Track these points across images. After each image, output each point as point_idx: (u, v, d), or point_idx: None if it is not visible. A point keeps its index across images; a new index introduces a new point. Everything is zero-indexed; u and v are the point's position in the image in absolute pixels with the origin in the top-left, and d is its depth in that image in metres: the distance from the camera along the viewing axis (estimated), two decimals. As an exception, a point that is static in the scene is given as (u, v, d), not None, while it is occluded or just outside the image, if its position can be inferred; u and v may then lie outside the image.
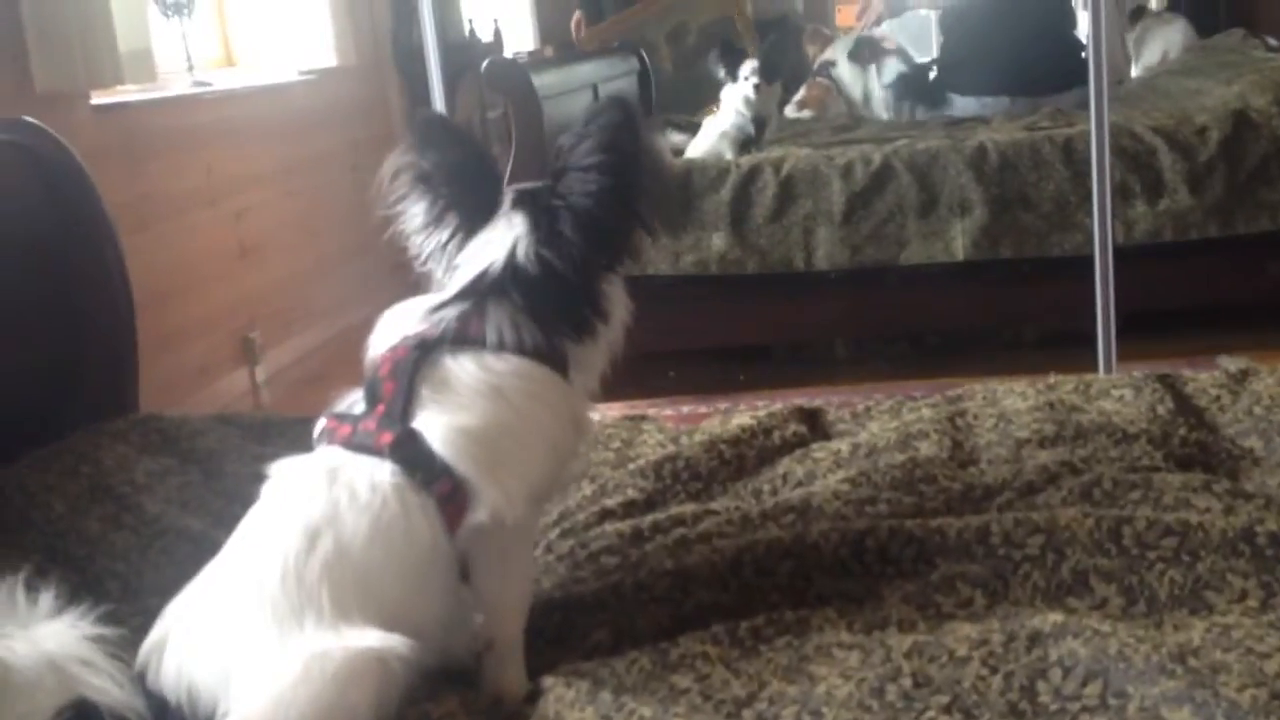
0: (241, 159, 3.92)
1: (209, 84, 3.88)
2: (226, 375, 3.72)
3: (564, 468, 1.45)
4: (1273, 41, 4.66)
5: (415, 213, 1.47)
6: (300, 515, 1.29)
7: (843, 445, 1.76)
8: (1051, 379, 1.92)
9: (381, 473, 1.31)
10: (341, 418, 1.39)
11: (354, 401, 1.40)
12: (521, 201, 1.43)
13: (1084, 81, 3.04)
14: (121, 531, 1.58)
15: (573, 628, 1.42)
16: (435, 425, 1.33)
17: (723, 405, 3.77)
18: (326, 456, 1.36)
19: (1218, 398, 1.84)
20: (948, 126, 4.28)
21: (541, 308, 1.39)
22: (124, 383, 2.20)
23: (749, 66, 4.15)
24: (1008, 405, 1.81)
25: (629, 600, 1.42)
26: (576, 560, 1.59)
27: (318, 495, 1.31)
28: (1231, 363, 3.61)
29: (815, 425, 1.91)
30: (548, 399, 1.39)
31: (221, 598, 1.27)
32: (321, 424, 1.40)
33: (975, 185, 3.76)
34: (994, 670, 1.21)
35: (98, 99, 3.27)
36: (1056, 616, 1.28)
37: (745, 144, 4.17)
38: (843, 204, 3.80)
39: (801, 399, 3.73)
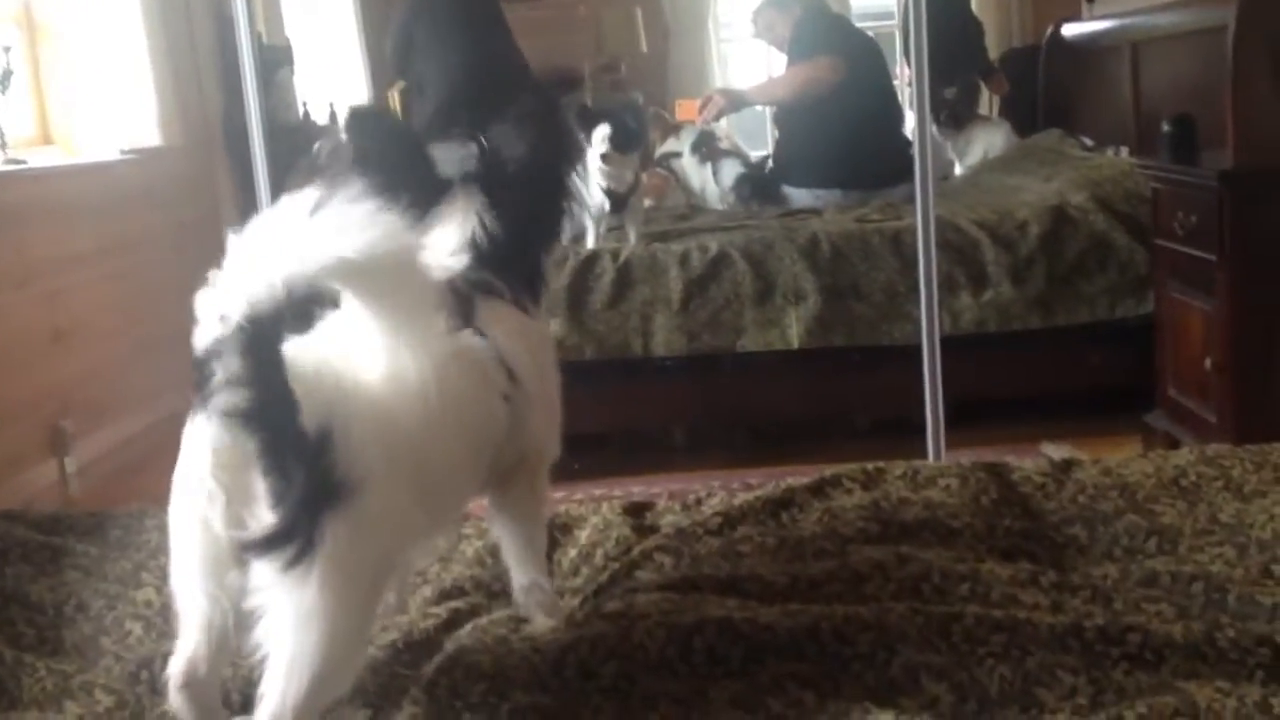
0: (58, 239, 3.74)
1: (22, 161, 3.71)
2: (35, 466, 3.52)
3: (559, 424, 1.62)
4: (1088, 141, 4.85)
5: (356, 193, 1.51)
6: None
7: (668, 543, 1.72)
8: (880, 465, 1.92)
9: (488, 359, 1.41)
10: None
11: None
12: (469, 180, 1.52)
13: (911, 177, 3.10)
14: None
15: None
16: (501, 339, 1.43)
17: (558, 494, 3.72)
18: None
19: (1043, 485, 1.85)
20: (782, 218, 4.34)
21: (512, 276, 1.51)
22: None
23: (601, 132, 3.97)
24: (834, 502, 1.80)
25: (443, 704, 1.34)
26: (396, 649, 1.52)
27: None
28: (1055, 450, 3.70)
29: (642, 521, 1.86)
30: (554, 358, 1.61)
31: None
32: None
33: (809, 274, 3.82)
34: (827, 782, 1.17)
35: (-96, 173, 3.10)
36: (887, 717, 1.24)
37: (600, 221, 4.08)
38: (680, 291, 3.81)
39: (638, 486, 3.73)
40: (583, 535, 1.83)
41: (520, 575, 1.56)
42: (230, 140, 4.89)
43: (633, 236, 4.08)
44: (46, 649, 1.58)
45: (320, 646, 1.21)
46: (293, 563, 1.19)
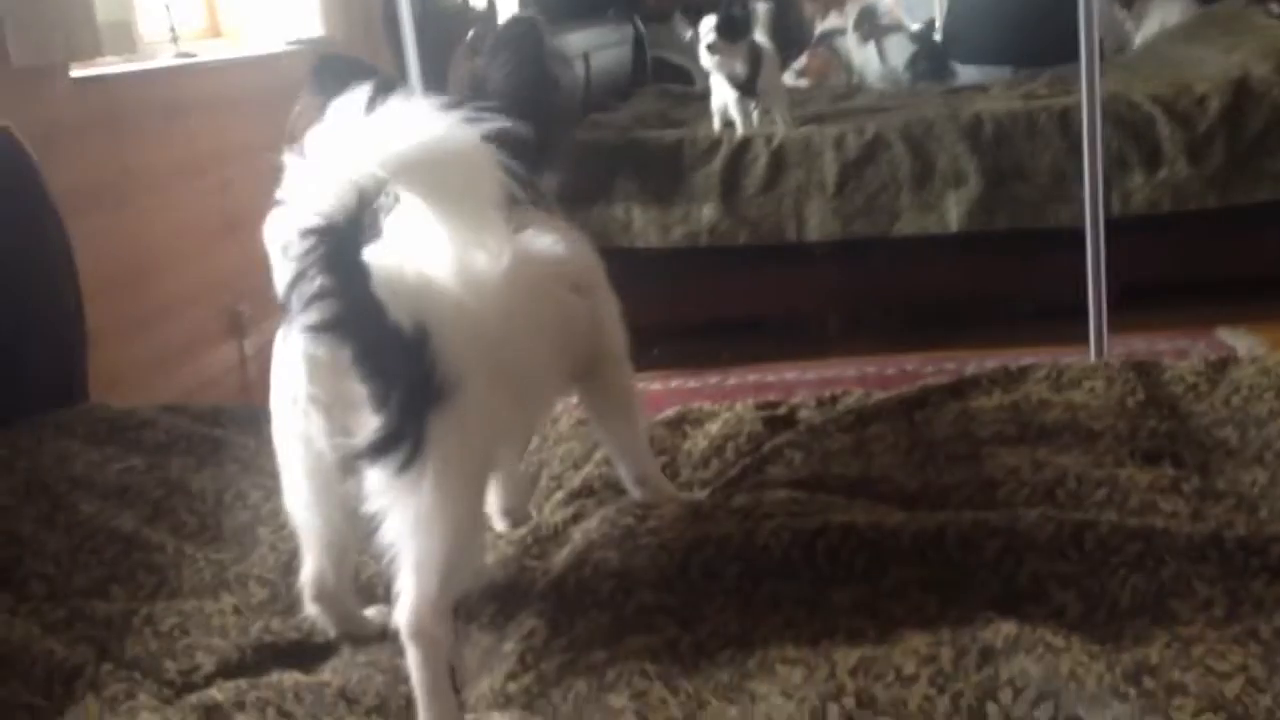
0: (226, 131, 3.86)
1: (193, 55, 3.82)
2: (215, 348, 3.68)
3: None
4: (1275, 9, 4.56)
5: None
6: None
7: (800, 438, 1.71)
8: (1023, 365, 1.87)
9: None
10: None
11: None
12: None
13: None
14: (53, 532, 1.54)
15: (510, 617, 1.39)
16: (565, 249, 1.46)
17: (712, 380, 3.74)
18: None
19: (1194, 385, 1.78)
20: (945, 96, 4.21)
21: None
22: (71, 372, 2.14)
23: (707, 23, 3.96)
24: (971, 403, 1.76)
25: (570, 600, 1.38)
26: (525, 545, 1.56)
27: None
28: (1231, 336, 3.56)
29: (775, 415, 1.86)
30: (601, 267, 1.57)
31: None
32: None
33: (970, 155, 3.71)
34: (941, 690, 1.17)
35: (77, 72, 3.21)
36: (1010, 628, 1.23)
37: (724, 112, 4.02)
38: (835, 175, 3.75)
39: (791, 372, 3.72)
40: (714, 428, 1.84)
41: (628, 469, 1.60)
42: (390, 28, 4.92)
43: (779, 121, 4.01)
44: (207, 537, 1.67)
45: (442, 543, 1.23)
46: (405, 465, 1.20)
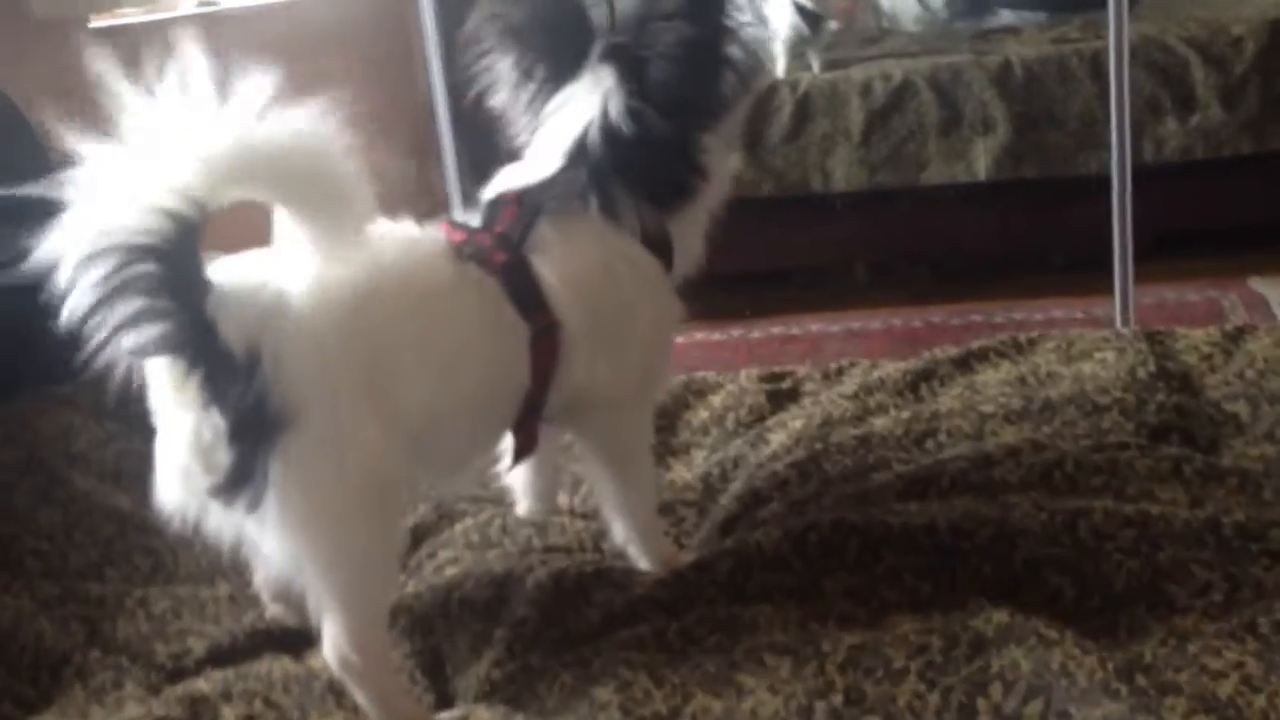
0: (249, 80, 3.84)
1: (214, 3, 3.79)
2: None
3: (660, 364, 1.46)
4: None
5: (502, 68, 1.43)
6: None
7: (798, 422, 1.69)
8: (1033, 336, 1.83)
9: (485, 283, 1.28)
10: (458, 225, 1.34)
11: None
12: (609, 54, 1.37)
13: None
14: (50, 507, 1.53)
15: (505, 603, 1.38)
16: (550, 266, 1.30)
17: (735, 332, 3.71)
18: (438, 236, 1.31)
19: (1209, 356, 1.74)
20: (976, 39, 4.11)
21: (642, 172, 1.35)
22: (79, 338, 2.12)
23: None
24: (978, 376, 1.73)
25: (566, 593, 1.37)
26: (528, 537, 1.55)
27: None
28: (1263, 285, 3.49)
29: (779, 388, 1.84)
30: (652, 294, 1.39)
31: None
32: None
33: (999, 101, 3.63)
34: (932, 685, 1.16)
35: (97, 22, 3.20)
36: (1001, 617, 1.21)
37: (799, 48, 3.89)
38: (861, 123, 3.68)
39: (816, 324, 3.68)
40: (716, 400, 1.82)
41: (616, 528, 1.45)
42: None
43: (815, 65, 3.93)
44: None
45: (333, 584, 1.17)
46: (254, 505, 1.12)
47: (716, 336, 3.67)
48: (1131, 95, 2.87)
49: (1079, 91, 3.62)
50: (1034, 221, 3.74)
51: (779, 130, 3.72)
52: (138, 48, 3.26)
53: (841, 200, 3.76)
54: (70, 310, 1.06)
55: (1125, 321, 2.83)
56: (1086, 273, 3.33)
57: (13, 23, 2.90)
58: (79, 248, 1.05)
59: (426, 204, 3.59)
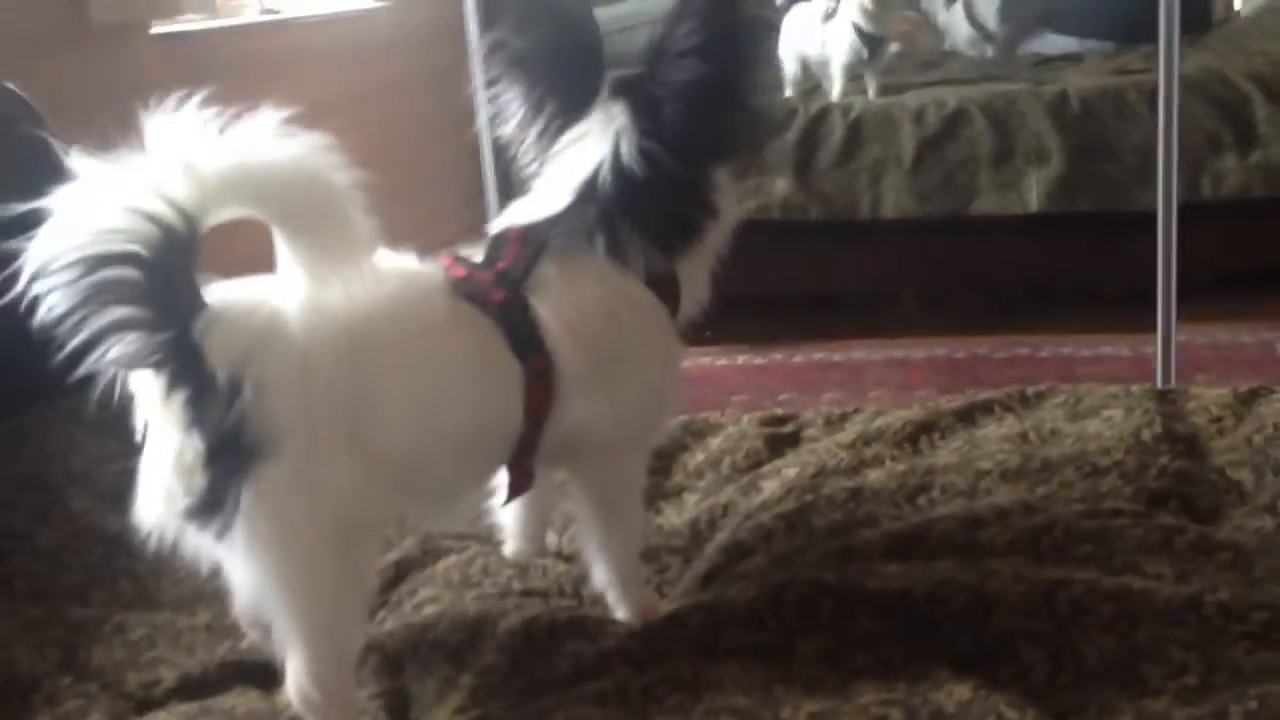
0: (310, 88, 3.88)
1: (276, 11, 3.85)
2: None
3: (659, 410, 1.43)
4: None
5: (510, 99, 1.41)
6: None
7: (793, 470, 1.68)
8: (1041, 389, 1.80)
9: (480, 322, 1.26)
10: (460, 260, 1.33)
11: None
12: (620, 89, 1.36)
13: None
14: (46, 527, 1.54)
15: (474, 647, 1.38)
16: (550, 306, 1.28)
17: (778, 356, 3.69)
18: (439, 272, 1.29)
19: (1219, 419, 1.71)
20: (1034, 67, 4.06)
21: (652, 214, 1.33)
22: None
23: None
24: (978, 431, 1.71)
25: (536, 641, 1.37)
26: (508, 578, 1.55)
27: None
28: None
29: (779, 433, 1.83)
30: (654, 339, 1.36)
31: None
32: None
33: (1054, 133, 3.58)
34: (883, 758, 1.14)
35: (158, 29, 3.24)
36: (964, 692, 1.19)
37: (857, 70, 3.88)
38: (913, 150, 3.65)
39: (859, 351, 3.65)
40: (715, 442, 1.81)
41: (597, 571, 1.43)
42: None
43: (872, 90, 3.91)
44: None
45: (297, 619, 1.16)
46: (223, 532, 1.12)
47: (758, 361, 3.66)
48: (1191, 130, 2.81)
49: (1137, 125, 3.56)
50: (1085, 255, 3.68)
51: (829, 154, 3.70)
52: (197, 55, 3.28)
53: (891, 227, 3.73)
54: (46, 311, 1.05)
55: (1166, 365, 2.77)
56: (1138, 309, 3.27)
57: (73, 28, 2.93)
58: (58, 249, 1.04)
59: (476, 212, 3.61)
